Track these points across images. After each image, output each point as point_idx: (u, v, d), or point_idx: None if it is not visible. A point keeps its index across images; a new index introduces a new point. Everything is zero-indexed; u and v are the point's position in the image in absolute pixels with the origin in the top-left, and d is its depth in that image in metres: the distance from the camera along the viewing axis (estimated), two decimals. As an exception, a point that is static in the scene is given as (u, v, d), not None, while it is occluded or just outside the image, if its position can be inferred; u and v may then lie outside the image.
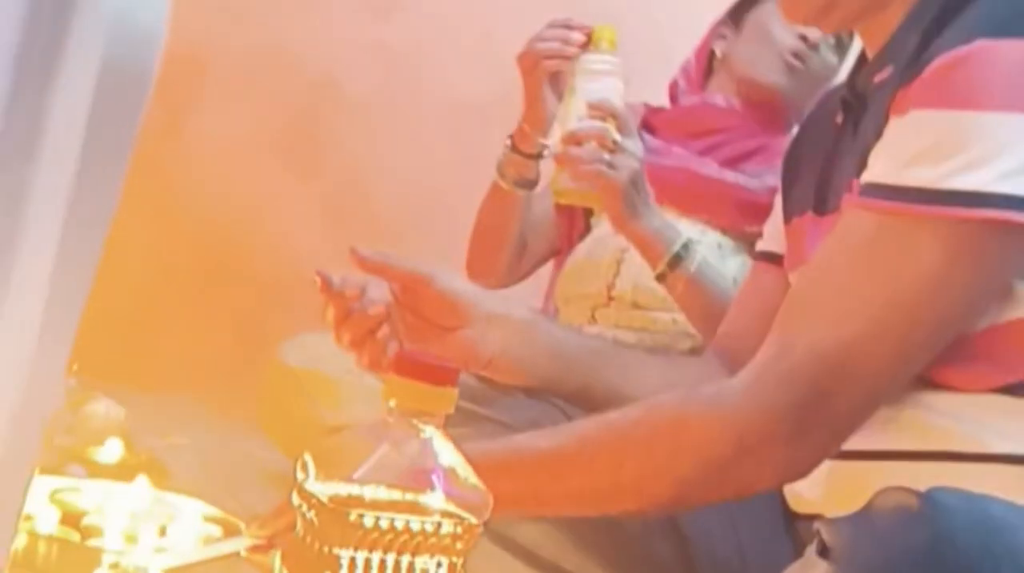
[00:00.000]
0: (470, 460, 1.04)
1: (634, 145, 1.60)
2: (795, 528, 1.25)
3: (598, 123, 1.59)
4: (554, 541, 1.28)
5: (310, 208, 2.62)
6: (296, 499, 0.81)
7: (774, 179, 1.81)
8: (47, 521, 1.45)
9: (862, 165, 1.07)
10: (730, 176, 1.91)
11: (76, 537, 1.46)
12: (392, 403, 0.82)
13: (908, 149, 0.99)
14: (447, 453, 0.83)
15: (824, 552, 0.84)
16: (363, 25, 2.65)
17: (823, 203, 1.22)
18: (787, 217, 1.33)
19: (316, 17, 2.61)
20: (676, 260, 1.65)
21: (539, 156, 1.85)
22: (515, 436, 1.12)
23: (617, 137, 1.58)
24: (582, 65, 1.65)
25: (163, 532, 1.49)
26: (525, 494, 1.06)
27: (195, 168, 2.60)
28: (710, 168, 1.93)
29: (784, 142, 1.91)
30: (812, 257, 1.08)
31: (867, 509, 0.85)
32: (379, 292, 1.25)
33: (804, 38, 1.90)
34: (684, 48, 2.07)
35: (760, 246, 1.45)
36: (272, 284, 2.46)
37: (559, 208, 1.97)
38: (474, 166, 1.99)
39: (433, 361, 0.83)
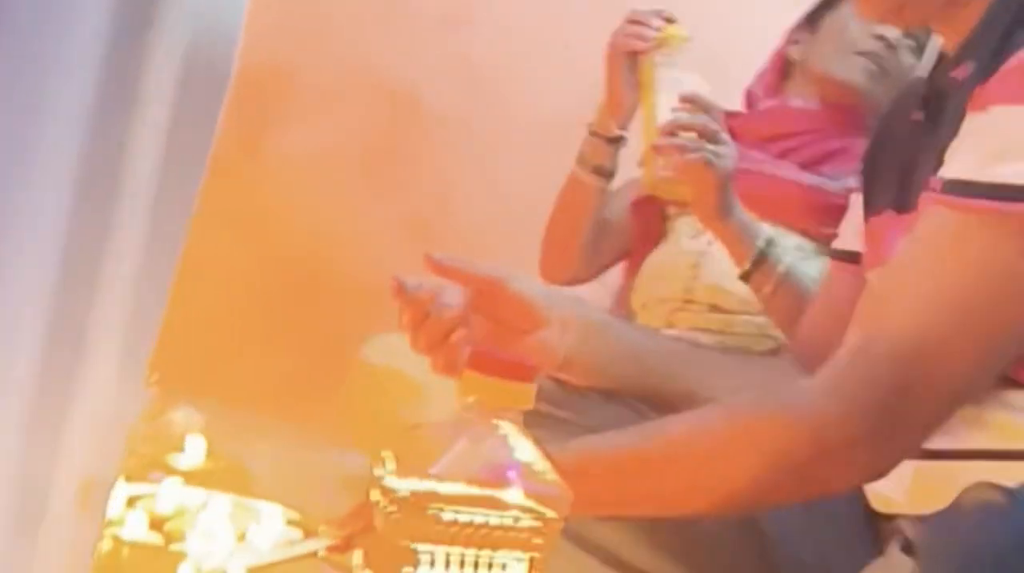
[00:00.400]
0: (550, 460, 1.05)
1: (728, 139, 1.62)
2: (877, 528, 1.24)
3: (700, 115, 1.60)
4: (631, 540, 1.28)
5: (393, 224, 2.64)
6: (376, 494, 0.82)
7: (855, 181, 1.81)
8: (131, 526, 1.47)
9: (940, 161, 1.06)
10: (808, 178, 1.90)
11: (159, 541, 1.48)
12: (470, 399, 0.82)
13: (990, 145, 0.98)
14: (525, 449, 0.83)
15: (908, 549, 0.83)
16: (445, 39, 2.67)
17: (904, 201, 1.21)
18: (867, 216, 1.32)
19: (398, 31, 2.64)
20: (761, 258, 1.65)
21: (618, 142, 1.87)
22: (592, 436, 1.12)
23: (718, 128, 1.58)
24: (665, 59, 1.69)
25: (244, 536, 1.51)
26: (604, 494, 1.06)
27: (278, 184, 2.63)
28: (788, 170, 1.92)
29: (864, 144, 1.90)
30: (892, 255, 1.07)
31: (953, 506, 0.84)
32: (454, 296, 1.25)
33: (882, 38, 1.89)
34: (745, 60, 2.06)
35: (837, 245, 1.44)
36: (355, 301, 2.48)
37: (636, 210, 1.98)
38: (556, 181, 1.99)
39: (511, 358, 0.83)
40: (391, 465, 0.81)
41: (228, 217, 2.52)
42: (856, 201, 1.39)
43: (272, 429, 2.35)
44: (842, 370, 1.00)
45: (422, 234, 2.63)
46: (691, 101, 1.63)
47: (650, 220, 2.01)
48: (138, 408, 0.87)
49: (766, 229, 1.69)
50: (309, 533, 1.51)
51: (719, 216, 1.64)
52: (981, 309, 0.96)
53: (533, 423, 1.36)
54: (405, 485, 0.79)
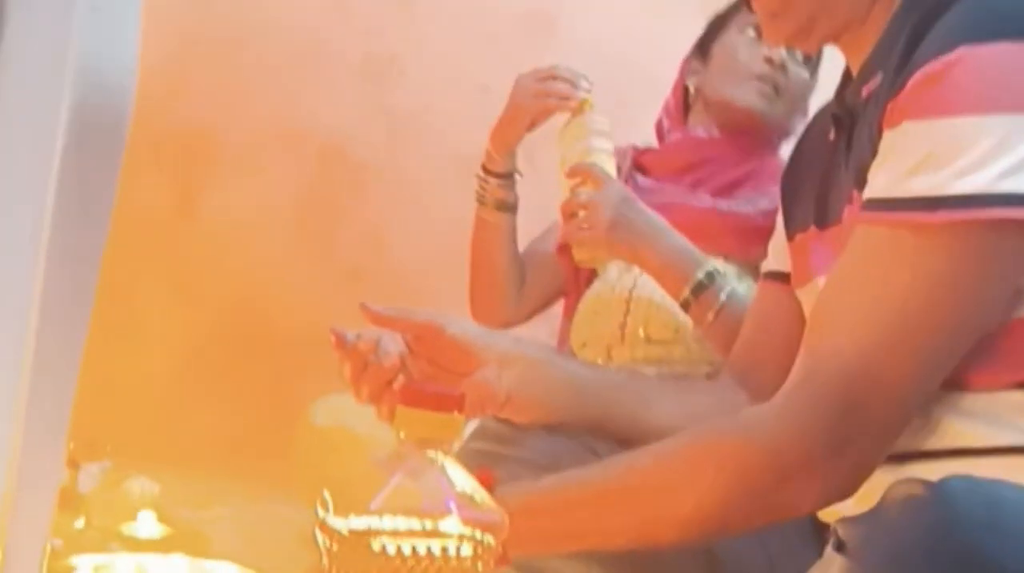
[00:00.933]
0: (508, 502, 1.06)
1: (609, 189, 1.68)
2: (824, 537, 1.26)
3: (585, 191, 1.69)
4: (583, 567, 1.29)
5: (329, 274, 2.65)
6: (318, 534, 0.83)
7: (768, 203, 1.84)
8: (90, 598, 1.47)
9: (861, 177, 1.09)
10: (723, 205, 1.93)
11: (119, 611, 1.48)
12: (402, 434, 0.84)
13: (906, 161, 1.01)
14: (461, 478, 0.84)
15: (840, 548, 0.85)
16: (366, 89, 2.69)
17: (823, 217, 1.23)
18: (790, 235, 1.35)
19: (319, 85, 2.66)
20: (700, 287, 1.67)
21: (511, 176, 1.96)
22: (551, 476, 1.13)
23: (582, 197, 1.68)
24: (591, 125, 1.78)
25: (203, 598, 1.51)
26: (566, 532, 1.08)
27: (215, 242, 2.63)
28: (703, 199, 1.94)
29: (774, 164, 1.93)
30: (817, 269, 1.09)
31: (879, 503, 0.86)
32: (393, 344, 1.27)
33: (771, 60, 1.93)
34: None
35: (766, 266, 1.46)
36: (298, 351, 2.48)
37: (561, 254, 2.00)
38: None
39: (437, 389, 0.85)
40: (330, 504, 0.82)
41: (168, 280, 2.52)
42: (779, 223, 1.41)
43: (227, 490, 2.34)
44: (793, 393, 1.01)
45: (359, 281, 2.64)
46: (573, 173, 1.71)
47: None
48: (55, 476, 0.87)
49: (706, 259, 1.71)
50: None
51: (636, 254, 1.68)
52: (918, 318, 0.98)
53: (480, 462, 1.37)
54: (345, 523, 0.80)
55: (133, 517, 1.95)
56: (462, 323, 1.28)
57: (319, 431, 2.14)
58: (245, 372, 2.63)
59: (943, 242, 0.98)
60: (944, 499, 0.81)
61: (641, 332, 1.88)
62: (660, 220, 1.70)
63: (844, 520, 0.86)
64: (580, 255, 1.73)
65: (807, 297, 1.28)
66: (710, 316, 1.66)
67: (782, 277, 1.38)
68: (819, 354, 1.01)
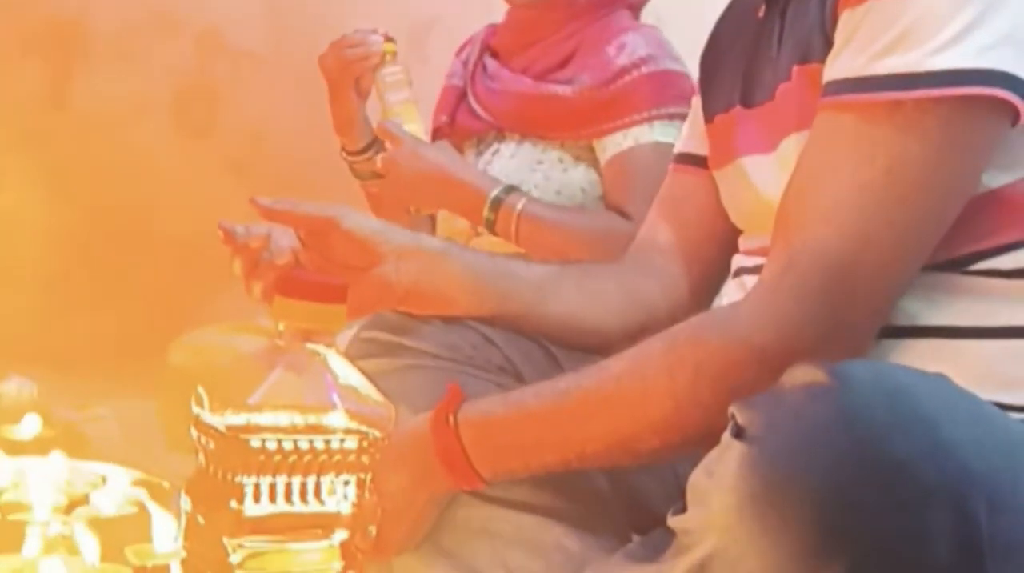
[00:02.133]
0: (479, 416, 1.04)
1: (401, 147, 1.81)
2: None
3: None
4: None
5: (211, 167, 2.58)
6: (195, 432, 0.80)
7: (588, 78, 1.85)
8: (-35, 503, 1.42)
9: (804, 52, 1.06)
10: (545, 88, 1.91)
11: (-4, 514, 1.43)
12: (281, 326, 0.81)
13: (875, 40, 0.98)
14: (345, 371, 0.82)
15: (738, 433, 0.83)
16: (243, -24, 2.60)
17: (750, 96, 1.21)
18: (709, 116, 1.32)
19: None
20: (497, 202, 1.75)
21: (371, 147, 1.98)
22: (520, 388, 1.11)
23: (377, 162, 1.83)
24: (383, 81, 1.91)
25: (85, 500, 1.47)
26: (541, 443, 1.05)
27: (90, 135, 2.54)
28: (525, 84, 1.93)
29: (599, 30, 1.89)
30: (797, 164, 1.05)
31: (778, 387, 0.85)
32: (285, 239, 1.23)
33: None
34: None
35: (678, 148, 1.44)
36: (178, 247, 2.43)
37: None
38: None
39: (320, 279, 0.82)
40: (206, 401, 0.79)
41: (40, 175, 2.43)
42: (695, 105, 1.39)
43: (106, 390, 2.29)
44: (772, 286, 0.99)
45: (241, 175, 2.58)
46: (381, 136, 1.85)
47: None
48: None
49: (526, 153, 1.80)
50: (155, 493, 1.48)
51: (440, 204, 1.84)
52: (895, 201, 0.96)
53: (378, 352, 1.35)
54: (221, 419, 0.77)
55: (12, 419, 1.89)
56: (357, 217, 1.24)
57: (178, 371, 2.13)
58: (124, 269, 2.56)
59: (921, 120, 0.96)
60: (846, 387, 0.80)
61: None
62: (450, 158, 1.80)
63: (741, 403, 0.85)
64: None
65: (728, 178, 1.26)
66: (513, 229, 1.72)
67: (695, 160, 1.36)
68: (798, 244, 0.98)
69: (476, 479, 1.08)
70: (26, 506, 1.43)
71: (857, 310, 0.97)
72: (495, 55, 2.00)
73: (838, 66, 1.02)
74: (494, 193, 1.77)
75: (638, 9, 1.99)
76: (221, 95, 2.61)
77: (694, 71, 1.46)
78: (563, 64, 1.91)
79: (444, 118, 2.01)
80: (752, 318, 0.99)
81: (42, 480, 1.48)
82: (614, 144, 1.84)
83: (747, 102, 1.22)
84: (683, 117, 1.81)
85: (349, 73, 1.92)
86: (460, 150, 1.97)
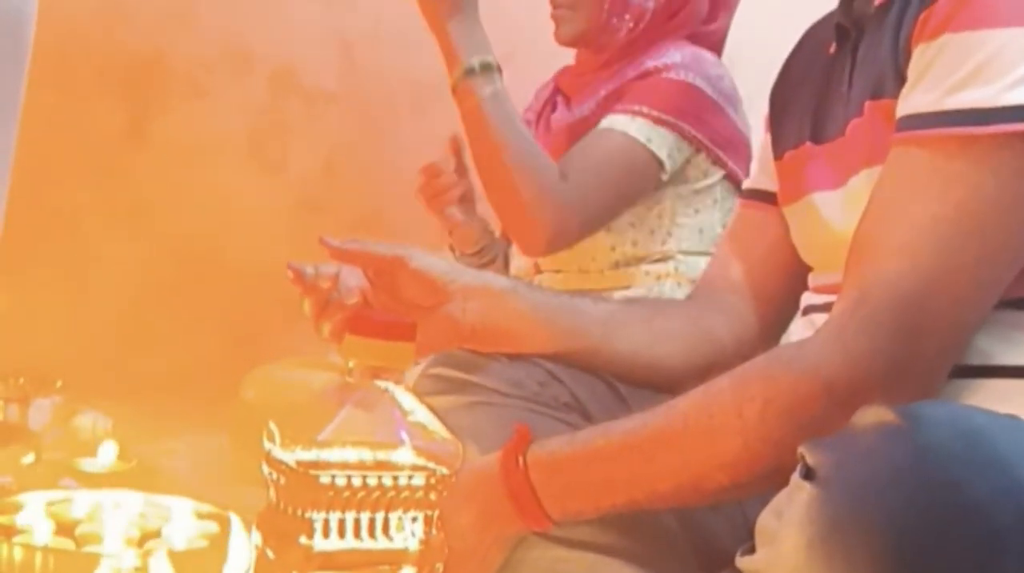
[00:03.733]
0: (558, 450, 1.04)
1: None
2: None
3: None
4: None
5: (284, 202, 2.61)
6: (266, 468, 0.81)
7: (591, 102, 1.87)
8: (41, 533, 1.45)
9: (878, 87, 1.06)
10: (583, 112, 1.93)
11: (71, 546, 1.45)
12: (351, 363, 0.82)
13: (950, 74, 0.97)
14: (414, 408, 0.82)
15: (808, 475, 0.83)
16: (318, 15, 2.63)
17: (820, 132, 1.20)
18: (779, 153, 1.31)
19: (268, 10, 2.60)
20: (469, 73, 1.71)
21: (482, 253, 2.00)
22: (588, 428, 1.10)
23: None
24: None
25: (158, 533, 1.49)
26: (609, 482, 1.04)
27: (166, 172, 2.59)
28: (573, 116, 1.95)
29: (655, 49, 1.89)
30: (871, 198, 1.04)
31: (849, 428, 0.84)
32: (354, 278, 1.23)
33: None
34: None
35: (748, 185, 1.43)
36: (251, 283, 2.45)
37: None
38: (439, 143, 1.98)
39: (389, 317, 0.83)
40: (277, 437, 0.80)
41: (119, 212, 2.48)
42: (765, 141, 1.38)
43: (180, 424, 2.32)
44: (844, 320, 0.98)
45: (313, 211, 2.60)
46: None
47: None
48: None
49: (490, 55, 1.75)
50: (223, 525, 1.50)
51: (436, 23, 1.73)
52: (969, 239, 0.96)
53: (446, 389, 1.36)
54: (292, 455, 0.78)
55: (88, 451, 1.92)
56: (425, 256, 1.25)
57: (250, 406, 2.15)
58: (198, 304, 2.59)
59: (995, 155, 0.95)
60: (919, 428, 0.79)
61: (548, 266, 1.91)
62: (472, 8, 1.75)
63: (811, 444, 0.84)
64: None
65: (798, 214, 1.26)
66: (468, 104, 1.72)
67: (766, 196, 1.36)
68: (870, 278, 0.97)
69: (544, 519, 1.07)
70: (99, 538, 1.45)
71: (929, 345, 0.96)
72: (567, 99, 2.01)
73: (912, 101, 1.01)
74: (470, 63, 1.73)
75: (706, 43, 1.96)
76: (294, 131, 2.64)
77: (760, 111, 1.46)
78: (615, 102, 1.91)
79: None
80: (821, 352, 0.97)
81: (116, 513, 1.51)
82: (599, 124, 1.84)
83: (818, 138, 1.21)
84: (675, 128, 1.81)
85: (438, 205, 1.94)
86: None
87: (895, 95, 1.05)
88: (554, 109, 2.01)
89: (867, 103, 1.09)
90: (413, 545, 0.78)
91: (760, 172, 1.39)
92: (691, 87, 1.85)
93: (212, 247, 2.60)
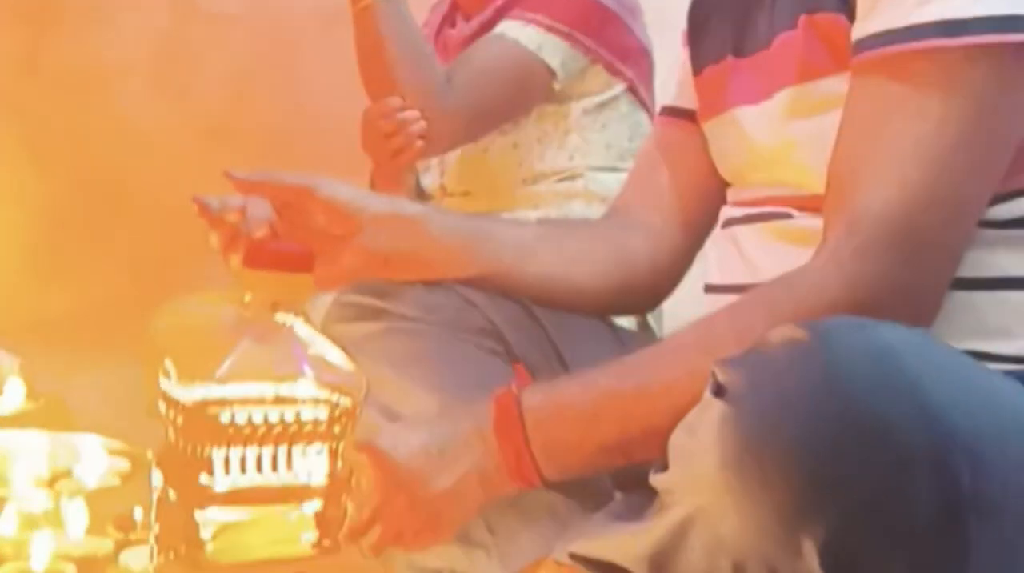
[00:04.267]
0: (554, 388, 1.02)
1: None
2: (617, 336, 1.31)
3: None
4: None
5: (189, 131, 2.55)
6: (163, 406, 0.78)
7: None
8: (-54, 479, 1.42)
9: (814, 1, 1.04)
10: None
11: (-23, 489, 1.43)
12: (248, 297, 0.79)
13: None
14: (314, 340, 0.80)
15: (719, 391, 0.82)
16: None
17: (743, 45, 1.19)
18: (698, 68, 1.30)
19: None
20: None
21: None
22: (590, 371, 1.05)
23: None
24: None
25: (69, 473, 1.47)
26: (612, 416, 1.00)
27: (64, 103, 2.51)
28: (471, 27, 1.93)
29: None
30: (842, 126, 1.02)
31: (759, 344, 0.83)
32: (261, 209, 1.20)
33: None
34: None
35: (666, 102, 1.42)
36: (160, 212, 2.39)
37: None
38: (349, 69, 1.94)
39: (283, 248, 0.80)
40: (174, 374, 0.78)
41: (16, 141, 2.41)
42: (684, 58, 1.36)
43: (91, 360, 2.28)
44: (838, 250, 0.96)
45: (220, 139, 2.54)
46: None
47: None
48: None
49: None
50: (136, 462, 1.48)
51: None
52: (952, 154, 0.94)
53: (363, 316, 1.34)
54: (188, 392, 0.76)
55: (-2, 389, 1.88)
56: (334, 185, 1.22)
57: (162, 338, 2.12)
58: (104, 236, 2.53)
59: (970, 68, 0.94)
60: (829, 346, 0.78)
61: (457, 188, 1.90)
62: None
63: (722, 362, 0.83)
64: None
65: (718, 128, 1.25)
66: (359, 5, 1.70)
67: (684, 113, 1.34)
68: (859, 208, 0.96)
69: (537, 479, 1.05)
70: (7, 480, 1.43)
71: (926, 264, 0.95)
72: (464, 11, 1.98)
73: (874, 20, 0.99)
74: None
75: None
76: (198, 57, 2.58)
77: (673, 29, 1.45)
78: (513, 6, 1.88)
79: None
80: (822, 279, 0.95)
81: (24, 454, 1.48)
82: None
83: (740, 52, 1.19)
84: (567, 37, 1.81)
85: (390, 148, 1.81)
86: None
87: (834, 9, 1.03)
88: (452, 25, 1.98)
89: (801, 17, 1.07)
90: (318, 479, 0.76)
91: (678, 90, 1.38)
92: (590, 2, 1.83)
93: (117, 179, 2.54)
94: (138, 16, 2.54)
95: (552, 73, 1.82)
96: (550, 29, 1.80)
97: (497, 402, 1.04)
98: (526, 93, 1.83)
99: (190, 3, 2.55)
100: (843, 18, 1.03)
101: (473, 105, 1.76)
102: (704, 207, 1.34)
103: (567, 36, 1.82)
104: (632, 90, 1.89)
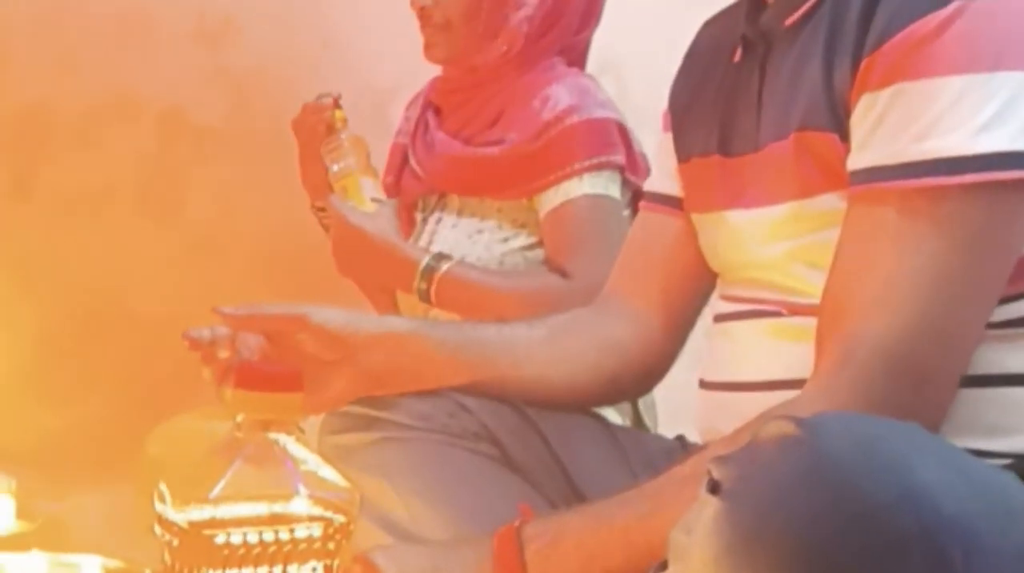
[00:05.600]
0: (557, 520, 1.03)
1: (336, 225, 1.85)
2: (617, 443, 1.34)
3: None
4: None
5: (177, 249, 2.57)
6: (158, 529, 0.79)
7: (517, 135, 1.85)
8: (-55, 605, 1.40)
9: (806, 118, 1.06)
10: (476, 151, 1.91)
11: (-24, 617, 1.41)
12: (239, 417, 0.80)
13: (909, 124, 0.97)
14: (307, 458, 0.81)
15: (714, 488, 0.83)
16: (202, 55, 2.60)
17: (730, 145, 1.20)
18: (683, 156, 1.31)
19: (151, 53, 2.56)
20: (429, 271, 1.78)
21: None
22: (586, 505, 1.09)
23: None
24: (326, 153, 1.96)
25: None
26: (616, 545, 1.03)
27: (53, 225, 2.53)
28: (455, 148, 1.93)
29: (527, 82, 1.89)
30: (839, 251, 1.03)
31: (752, 441, 0.84)
32: (253, 339, 1.21)
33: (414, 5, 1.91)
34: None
35: (649, 187, 1.43)
36: (151, 331, 2.40)
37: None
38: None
39: (272, 369, 0.81)
40: (168, 497, 0.78)
41: (7, 267, 2.42)
42: (665, 142, 1.38)
43: (86, 480, 2.27)
44: (831, 381, 0.98)
45: (210, 252, 2.56)
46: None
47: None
48: None
49: (464, 225, 1.85)
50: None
51: (382, 251, 1.81)
52: (948, 285, 0.96)
53: (356, 426, 1.35)
54: (183, 515, 0.76)
55: (-11, 513, 1.87)
56: (323, 311, 1.24)
57: (153, 461, 2.13)
58: (98, 357, 2.53)
59: (967, 205, 0.96)
60: (817, 437, 0.80)
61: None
62: (381, 229, 1.81)
63: (717, 460, 0.84)
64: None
65: (710, 226, 1.26)
66: (445, 295, 1.77)
67: (668, 200, 1.36)
68: (854, 338, 0.98)
69: None
70: (5, 606, 1.41)
71: (927, 392, 0.97)
72: (437, 111, 2.00)
73: (871, 153, 1.01)
74: (425, 262, 1.78)
75: (574, 53, 1.97)
76: (186, 174, 2.61)
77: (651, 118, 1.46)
78: (492, 124, 1.91)
79: (390, 179, 2.02)
80: (813, 412, 0.97)
81: (21, 577, 1.46)
82: (547, 202, 1.84)
83: (727, 151, 1.21)
84: (612, 166, 1.83)
85: (313, 138, 1.96)
86: (409, 210, 1.98)
87: (826, 127, 1.05)
88: (427, 127, 2.00)
89: (794, 134, 1.09)
90: (315, 597, 0.76)
91: (661, 174, 1.40)
92: (596, 122, 1.85)
93: (109, 299, 2.54)
94: (125, 137, 2.57)
95: (624, 205, 1.85)
96: (600, 167, 1.83)
97: (498, 537, 1.05)
98: (623, 235, 1.86)
99: (177, 120, 2.59)
100: (835, 137, 1.05)
101: (600, 281, 1.76)
102: (692, 292, 1.35)
103: (611, 165, 1.84)
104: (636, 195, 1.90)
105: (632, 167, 1.85)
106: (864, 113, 1.01)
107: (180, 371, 2.13)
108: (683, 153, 1.32)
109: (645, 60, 2.40)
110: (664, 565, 0.87)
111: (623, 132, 1.86)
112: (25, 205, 2.51)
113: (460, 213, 1.91)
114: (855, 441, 0.79)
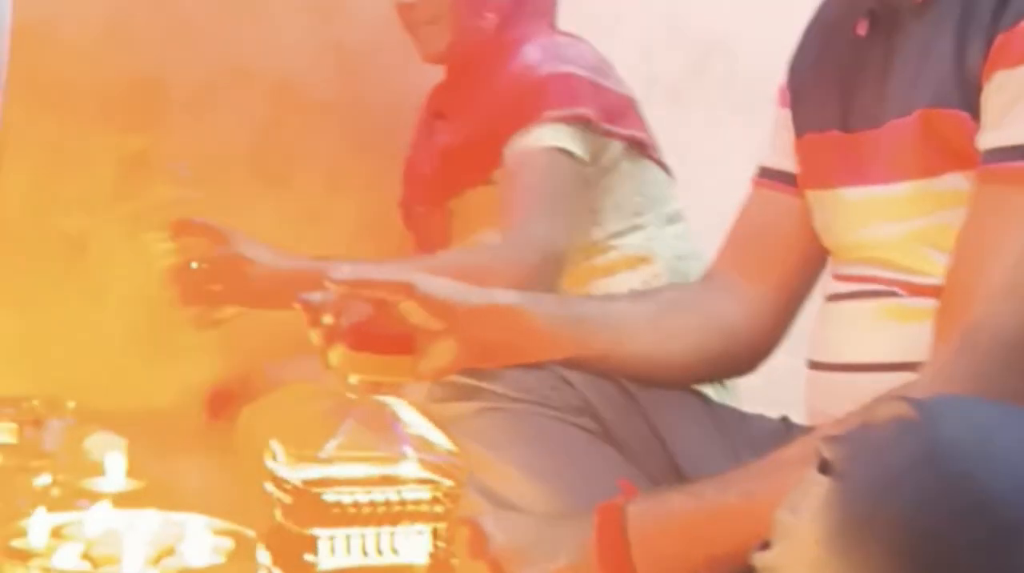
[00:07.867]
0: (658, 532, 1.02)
1: None
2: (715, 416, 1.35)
3: None
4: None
5: (287, 217, 2.61)
6: (270, 486, 0.80)
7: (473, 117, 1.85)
8: (59, 556, 1.45)
9: (936, 96, 1.04)
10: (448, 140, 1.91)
11: (88, 568, 1.45)
12: (351, 379, 0.81)
13: None
14: (416, 422, 0.82)
15: (825, 468, 0.82)
16: (315, 29, 2.63)
17: (850, 120, 1.19)
18: (800, 131, 1.30)
19: (264, 27, 2.60)
20: None
21: None
22: (689, 485, 1.09)
23: None
24: None
25: (173, 551, 1.49)
26: (721, 536, 1.02)
27: (172, 191, 2.58)
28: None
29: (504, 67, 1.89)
30: (963, 233, 1.02)
31: (865, 421, 0.84)
32: (360, 305, 1.23)
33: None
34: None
35: (763, 163, 1.41)
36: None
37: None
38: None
39: (387, 332, 0.83)
40: (280, 455, 0.80)
41: (124, 230, 2.47)
42: (783, 117, 1.36)
43: (194, 442, 2.32)
44: (951, 368, 0.97)
45: (319, 224, 2.60)
46: None
47: None
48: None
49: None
50: (240, 542, 1.49)
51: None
52: None
53: (461, 395, 1.36)
54: (296, 473, 0.78)
55: (100, 472, 1.92)
56: (430, 281, 1.25)
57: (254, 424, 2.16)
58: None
59: None
60: (933, 422, 0.79)
61: None
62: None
63: (829, 439, 0.84)
64: None
65: (825, 203, 1.24)
66: None
67: (783, 176, 1.34)
68: (975, 323, 0.97)
69: None
70: (116, 559, 1.45)
71: None
72: (440, 115, 2.00)
73: (1004, 131, 0.99)
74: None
75: (551, 15, 1.95)
76: (297, 148, 2.65)
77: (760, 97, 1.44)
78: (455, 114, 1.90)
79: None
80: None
81: (132, 532, 1.51)
82: (507, 158, 1.82)
83: (846, 126, 1.19)
84: (572, 119, 1.79)
85: None
86: (440, 214, 1.97)
87: (957, 106, 1.03)
88: (432, 132, 1.99)
89: (920, 110, 1.07)
90: (420, 559, 0.78)
91: (775, 150, 1.38)
92: (563, 76, 1.83)
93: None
94: (238, 110, 2.62)
95: (582, 162, 1.81)
96: (556, 119, 1.78)
97: (601, 512, 1.05)
98: (579, 194, 1.81)
99: (290, 94, 2.63)
100: (966, 116, 1.03)
101: (542, 240, 1.70)
102: (804, 271, 1.34)
103: (569, 118, 1.80)
104: (630, 142, 1.87)
105: (608, 117, 1.82)
106: (997, 91, 0.99)
107: (289, 342, 2.17)
108: (800, 128, 1.30)
109: (755, 37, 2.37)
110: (767, 544, 0.87)
111: (593, 86, 1.83)
112: (148, 171, 2.57)
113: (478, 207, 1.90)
114: (972, 427, 0.78)
